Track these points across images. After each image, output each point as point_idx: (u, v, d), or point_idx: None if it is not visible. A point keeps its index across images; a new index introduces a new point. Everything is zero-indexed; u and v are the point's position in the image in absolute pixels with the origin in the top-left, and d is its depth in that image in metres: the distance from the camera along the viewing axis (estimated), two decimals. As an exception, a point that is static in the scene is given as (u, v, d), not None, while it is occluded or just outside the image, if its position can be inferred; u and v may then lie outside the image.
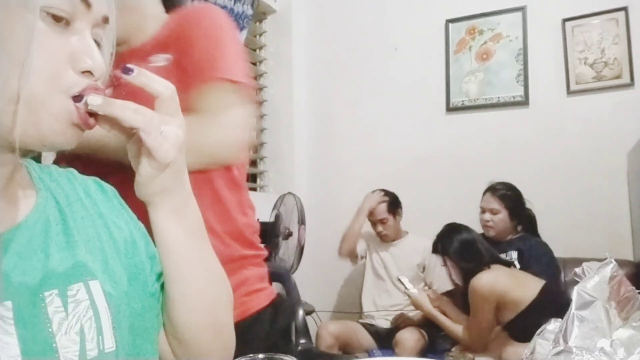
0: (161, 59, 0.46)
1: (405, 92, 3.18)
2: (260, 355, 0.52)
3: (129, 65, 0.51)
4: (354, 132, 3.31)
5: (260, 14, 3.24)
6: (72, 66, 0.49)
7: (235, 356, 0.52)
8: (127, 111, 0.50)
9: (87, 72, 0.50)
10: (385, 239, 2.80)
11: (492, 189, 2.53)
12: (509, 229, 2.50)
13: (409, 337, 2.50)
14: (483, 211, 2.51)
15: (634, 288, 0.60)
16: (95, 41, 0.53)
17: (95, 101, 0.49)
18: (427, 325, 2.59)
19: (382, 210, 2.76)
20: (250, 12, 2.84)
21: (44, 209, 0.55)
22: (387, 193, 2.81)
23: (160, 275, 0.63)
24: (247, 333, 0.97)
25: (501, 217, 2.47)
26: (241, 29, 2.74)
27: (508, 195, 2.49)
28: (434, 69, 3.13)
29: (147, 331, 0.60)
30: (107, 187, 0.66)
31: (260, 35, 3.33)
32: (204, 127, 0.88)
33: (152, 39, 1.02)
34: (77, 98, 0.49)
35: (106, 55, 0.57)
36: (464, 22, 3.08)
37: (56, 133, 0.49)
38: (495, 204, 2.47)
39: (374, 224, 2.78)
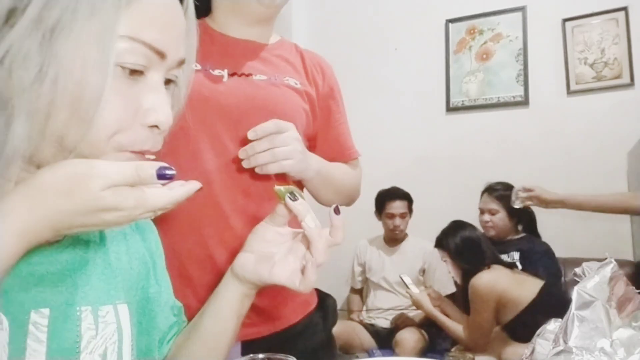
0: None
1: (405, 92, 3.18)
2: (260, 355, 0.52)
3: (339, 208, 0.59)
4: (354, 132, 3.28)
5: (260, 14, 3.23)
6: (140, 120, 0.47)
7: None
8: (323, 244, 0.56)
9: (154, 127, 0.48)
10: (399, 236, 2.82)
11: (490, 190, 2.53)
12: (510, 229, 2.50)
13: (409, 338, 2.50)
14: (482, 212, 2.52)
15: (634, 288, 0.60)
16: (170, 80, 0.51)
17: (311, 224, 0.56)
18: (428, 325, 2.59)
19: (404, 205, 2.80)
20: (250, 12, 2.84)
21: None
22: (402, 190, 2.85)
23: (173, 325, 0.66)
24: (304, 333, 1.01)
25: (500, 217, 2.47)
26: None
27: (506, 195, 2.47)
28: (434, 69, 3.13)
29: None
30: (147, 224, 0.67)
31: (260, 35, 3.32)
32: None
33: (282, 52, 1.08)
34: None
35: (181, 93, 0.55)
36: (464, 22, 3.08)
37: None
38: (493, 204, 2.48)
39: (391, 217, 2.79)
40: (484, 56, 3.02)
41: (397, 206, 2.80)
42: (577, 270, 0.64)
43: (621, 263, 0.66)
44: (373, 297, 2.81)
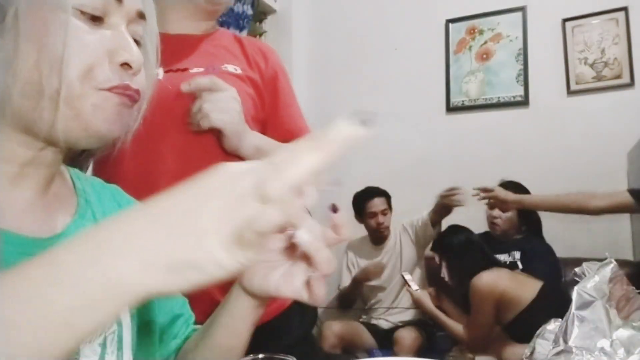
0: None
1: (405, 92, 3.18)
2: (260, 355, 0.52)
3: (337, 205, 0.50)
4: (354, 132, 3.30)
5: (260, 14, 3.23)
6: (109, 60, 0.49)
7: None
8: (323, 255, 0.46)
9: (125, 65, 0.50)
10: (385, 233, 2.78)
11: (505, 186, 2.51)
12: (515, 229, 2.49)
13: (407, 336, 2.50)
14: (492, 207, 2.49)
15: (634, 288, 0.60)
16: (135, 39, 0.52)
17: (305, 236, 0.45)
18: (426, 324, 2.59)
19: (383, 201, 2.77)
20: (250, 12, 2.84)
21: (82, 221, 0.55)
22: (378, 188, 2.82)
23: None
24: (279, 330, 0.99)
25: (510, 216, 2.46)
26: (241, 29, 2.74)
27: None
28: (434, 69, 3.13)
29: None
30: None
31: (260, 35, 3.32)
32: None
33: (219, 42, 1.06)
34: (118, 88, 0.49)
35: (151, 53, 0.57)
36: (464, 22, 3.08)
37: (98, 120, 0.49)
38: None
39: (373, 216, 2.76)
40: (484, 56, 3.02)
41: (376, 204, 2.77)
42: (577, 270, 0.64)
43: (621, 263, 0.66)
44: (373, 298, 2.81)
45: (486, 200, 2.50)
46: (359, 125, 0.39)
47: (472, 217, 2.49)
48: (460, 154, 3.00)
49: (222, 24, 2.61)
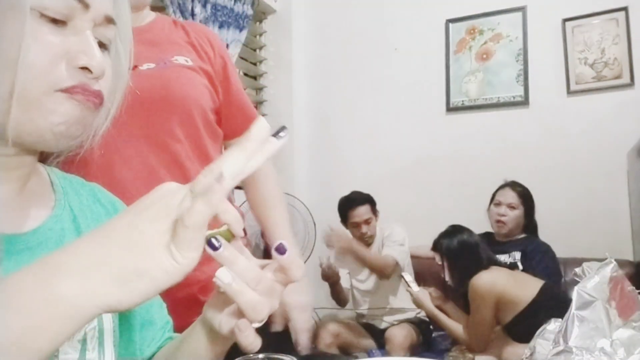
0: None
1: (405, 92, 3.18)
2: (260, 355, 0.52)
3: (284, 245, 0.44)
4: (354, 132, 3.31)
5: (260, 14, 3.23)
6: (67, 62, 0.47)
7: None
8: (249, 304, 0.41)
9: (86, 70, 0.48)
10: (369, 241, 2.73)
11: (513, 185, 2.51)
12: (518, 229, 2.50)
13: (398, 333, 2.49)
14: (498, 205, 2.49)
15: (634, 288, 0.60)
16: (102, 42, 0.51)
17: (224, 278, 0.41)
18: (422, 322, 2.60)
19: (367, 210, 2.70)
20: (250, 12, 2.84)
21: (60, 218, 0.55)
22: (362, 194, 2.76)
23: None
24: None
25: (517, 214, 2.46)
26: (241, 29, 2.74)
27: (527, 195, 2.49)
28: (434, 69, 3.13)
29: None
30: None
31: (260, 35, 3.32)
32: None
33: (160, 31, 1.01)
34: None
35: (123, 57, 0.56)
36: (464, 22, 3.08)
37: (54, 122, 0.47)
38: (515, 199, 2.46)
39: (356, 226, 2.71)
40: (484, 56, 3.02)
41: (359, 213, 2.68)
42: (577, 270, 0.64)
43: (621, 263, 0.66)
44: (363, 304, 2.80)
45: (486, 201, 2.54)
46: (271, 136, 0.41)
47: (472, 217, 2.49)
48: (460, 154, 3.00)
49: (222, 24, 2.63)
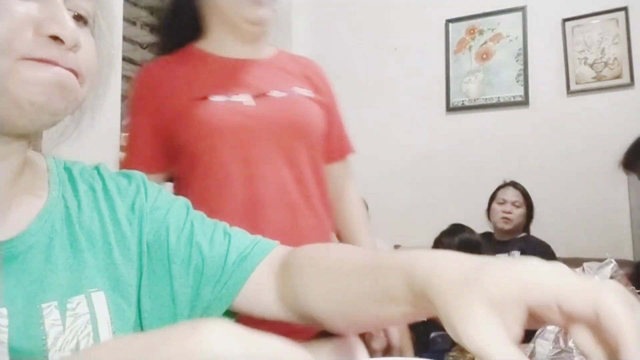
0: None
1: (405, 92, 3.18)
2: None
3: None
4: (354, 132, 3.29)
5: (260, 14, 3.23)
6: (34, 30, 0.43)
7: None
8: None
9: (57, 39, 0.43)
10: None
11: (514, 184, 2.57)
12: (521, 227, 2.52)
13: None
14: (502, 203, 2.52)
15: (634, 288, 0.60)
16: (79, 15, 0.47)
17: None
18: (420, 322, 2.59)
19: None
20: (250, 12, 2.84)
21: (50, 215, 0.51)
22: None
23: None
24: None
25: (521, 212, 2.49)
26: (241, 29, 2.74)
27: (527, 194, 2.54)
28: (434, 69, 3.13)
29: None
30: (137, 175, 0.60)
31: (260, 35, 3.32)
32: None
33: (285, 63, 1.13)
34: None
35: (106, 31, 0.52)
36: (464, 22, 3.08)
37: (32, 94, 0.43)
38: (519, 197, 2.51)
39: None
40: (484, 56, 3.02)
41: None
42: (577, 270, 0.64)
43: (621, 263, 0.66)
44: None
45: (486, 201, 2.55)
46: None
47: (472, 217, 2.49)
48: (460, 154, 3.00)
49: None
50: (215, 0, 1.04)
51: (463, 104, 3.05)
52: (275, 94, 1.04)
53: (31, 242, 0.48)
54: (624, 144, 2.62)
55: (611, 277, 0.58)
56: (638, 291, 0.60)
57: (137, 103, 1.06)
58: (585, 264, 0.64)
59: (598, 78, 2.75)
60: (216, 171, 0.97)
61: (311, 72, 1.17)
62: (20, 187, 0.49)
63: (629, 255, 2.56)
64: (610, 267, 0.59)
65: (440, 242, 2.26)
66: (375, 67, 3.28)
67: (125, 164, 1.04)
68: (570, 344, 0.54)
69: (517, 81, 2.92)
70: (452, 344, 2.37)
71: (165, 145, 1.02)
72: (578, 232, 2.66)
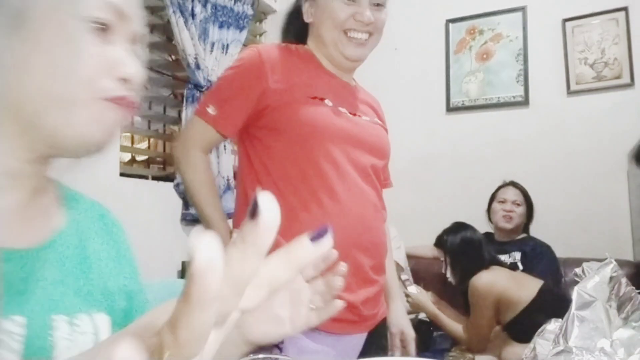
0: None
1: (405, 92, 3.18)
2: (260, 355, 0.52)
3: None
4: (354, 132, 3.30)
5: (260, 14, 3.23)
6: (109, 73, 0.49)
7: None
8: None
9: (125, 80, 0.50)
10: None
11: (514, 184, 2.58)
12: (521, 227, 2.53)
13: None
14: (503, 202, 2.53)
15: (634, 288, 0.60)
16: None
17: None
18: (422, 322, 2.59)
19: None
20: (250, 12, 2.84)
21: (67, 235, 0.54)
22: None
23: None
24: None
25: (522, 211, 2.51)
26: (241, 29, 2.74)
27: (527, 194, 2.55)
28: (434, 69, 3.13)
29: None
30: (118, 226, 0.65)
31: (260, 35, 3.32)
32: None
33: (363, 93, 1.40)
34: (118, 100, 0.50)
35: (141, 56, 0.58)
36: (464, 22, 3.08)
37: (96, 133, 0.49)
38: (519, 196, 2.53)
39: None
40: (484, 56, 3.02)
41: None
42: (577, 270, 0.64)
43: (621, 263, 0.66)
44: None
45: (486, 201, 2.55)
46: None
47: (472, 217, 2.49)
48: (460, 154, 3.00)
49: (222, 24, 2.62)
50: (319, 34, 1.23)
51: (463, 104, 3.05)
52: (364, 118, 1.25)
53: (49, 256, 0.51)
54: (624, 144, 2.62)
55: (611, 277, 0.58)
56: (638, 291, 0.60)
57: (251, 68, 1.15)
58: (585, 264, 0.64)
59: (598, 78, 2.75)
60: (317, 156, 1.13)
61: (378, 107, 1.39)
62: (37, 204, 0.53)
63: (629, 255, 2.56)
64: (610, 267, 0.59)
65: (443, 240, 2.25)
66: (375, 67, 3.27)
67: (211, 119, 1.14)
68: (570, 343, 0.54)
69: (517, 81, 2.92)
70: (452, 344, 2.37)
71: (248, 118, 1.15)
72: (578, 232, 2.66)
